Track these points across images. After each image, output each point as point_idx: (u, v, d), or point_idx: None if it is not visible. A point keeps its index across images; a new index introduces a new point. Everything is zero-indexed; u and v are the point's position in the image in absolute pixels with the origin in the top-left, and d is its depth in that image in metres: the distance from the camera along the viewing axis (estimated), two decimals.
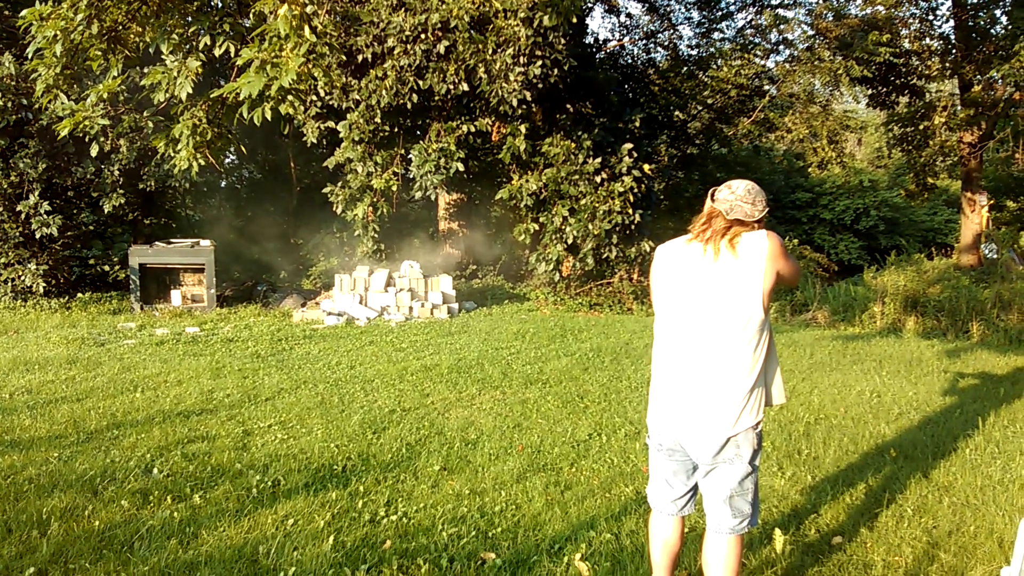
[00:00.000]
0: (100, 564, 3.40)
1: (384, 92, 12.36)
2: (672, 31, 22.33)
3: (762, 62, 22.55)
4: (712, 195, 2.82)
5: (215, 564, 3.42)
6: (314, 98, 12.89)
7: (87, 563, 3.40)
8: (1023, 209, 26.31)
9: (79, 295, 12.83)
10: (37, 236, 12.03)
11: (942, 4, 24.09)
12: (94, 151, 6.22)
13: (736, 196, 2.75)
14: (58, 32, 5.31)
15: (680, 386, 2.85)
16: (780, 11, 20.02)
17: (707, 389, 2.78)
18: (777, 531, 3.69)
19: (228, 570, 3.37)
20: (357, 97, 12.72)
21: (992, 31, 18.46)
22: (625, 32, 22.76)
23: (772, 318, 2.80)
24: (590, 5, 19.80)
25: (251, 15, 6.15)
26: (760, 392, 2.82)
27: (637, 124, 15.42)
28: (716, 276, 2.75)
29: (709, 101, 23.26)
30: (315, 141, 13.71)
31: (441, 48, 12.21)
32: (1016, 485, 4.60)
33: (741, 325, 2.72)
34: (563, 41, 12.77)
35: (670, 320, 2.90)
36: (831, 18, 18.75)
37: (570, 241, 13.76)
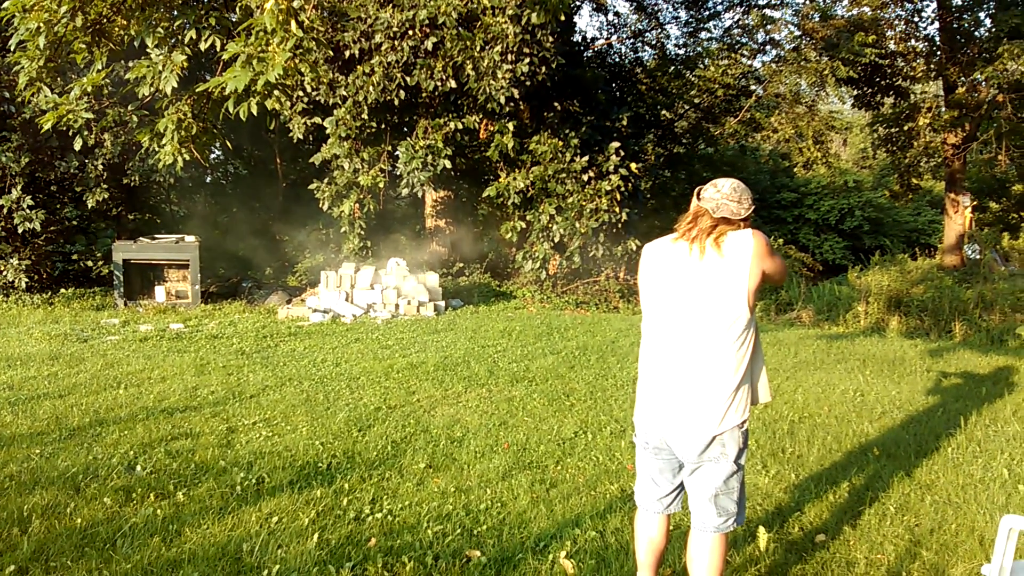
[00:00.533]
0: (82, 562, 3.37)
1: (371, 88, 12.31)
2: (660, 30, 22.37)
3: (749, 62, 22.63)
4: (698, 194, 2.82)
5: (198, 562, 3.40)
6: (300, 94, 12.82)
7: (69, 561, 3.37)
8: (1006, 210, 26.60)
9: (62, 291, 12.72)
10: (19, 231, 11.90)
11: (927, 6, 24.22)
12: (78, 145, 6.15)
13: (722, 194, 2.76)
14: (41, 24, 5.25)
15: (666, 384, 2.86)
16: (767, 11, 20.09)
17: (693, 387, 2.78)
18: (761, 529, 3.71)
19: (212, 568, 3.35)
20: (344, 93, 12.66)
21: (976, 33, 18.63)
22: (613, 31, 22.79)
23: (757, 317, 2.77)
24: (578, 3, 19.79)
25: (237, 9, 6.11)
26: (746, 390, 2.82)
27: (624, 123, 15.44)
28: (702, 275, 2.75)
29: (696, 100, 23.32)
30: (301, 137, 13.64)
31: (429, 45, 12.17)
32: (997, 483, 4.65)
33: (727, 324, 2.73)
34: (551, 39, 12.77)
35: (656, 319, 2.90)
36: (817, 19, 18.84)
37: (557, 239, 13.77)
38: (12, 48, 5.58)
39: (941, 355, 9.34)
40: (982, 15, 18.42)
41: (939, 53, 19.24)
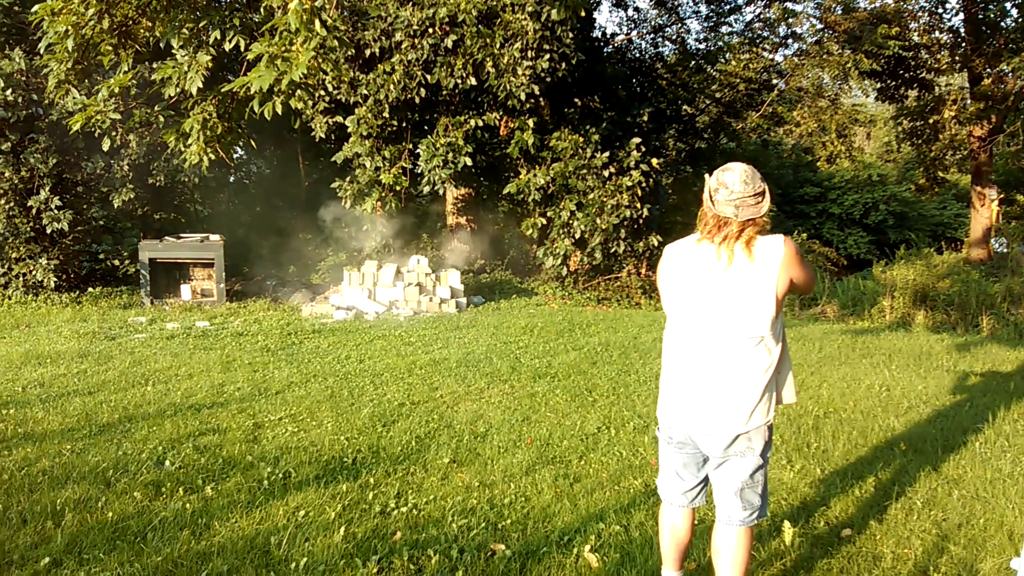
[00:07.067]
0: (114, 554, 3.43)
1: (392, 87, 12.37)
2: (680, 25, 22.24)
3: (770, 56, 22.45)
4: (711, 197, 2.71)
5: (227, 555, 3.45)
6: (322, 93, 12.91)
7: (101, 553, 3.43)
8: None
9: (90, 290, 12.89)
10: (48, 231, 12.08)
11: None
12: (106, 146, 6.24)
13: (737, 194, 2.64)
14: (69, 27, 5.33)
15: (692, 385, 2.84)
16: (788, 4, 19.96)
17: (720, 390, 2.77)
18: (786, 523, 3.70)
19: (240, 560, 3.40)
20: (365, 92, 12.73)
21: (1002, 24, 18.37)
22: (633, 26, 22.69)
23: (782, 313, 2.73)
24: None
25: (261, 9, 6.17)
26: (772, 393, 2.80)
27: (645, 118, 15.39)
28: (729, 279, 2.70)
29: (717, 95, 23.18)
30: (323, 136, 13.73)
31: (449, 42, 12.21)
32: None
33: (754, 329, 2.70)
34: (571, 35, 12.76)
35: (682, 321, 2.85)
36: (840, 12, 18.66)
37: (578, 235, 13.76)
38: (41, 51, 5.67)
39: (968, 349, 9.23)
40: (1008, 5, 18.15)
41: (964, 44, 18.99)
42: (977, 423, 5.84)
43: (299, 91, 5.11)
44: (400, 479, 4.46)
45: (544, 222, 14.16)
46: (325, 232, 16.97)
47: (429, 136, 13.26)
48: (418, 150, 13.34)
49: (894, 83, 19.84)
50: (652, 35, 22.20)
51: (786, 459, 4.93)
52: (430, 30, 12.31)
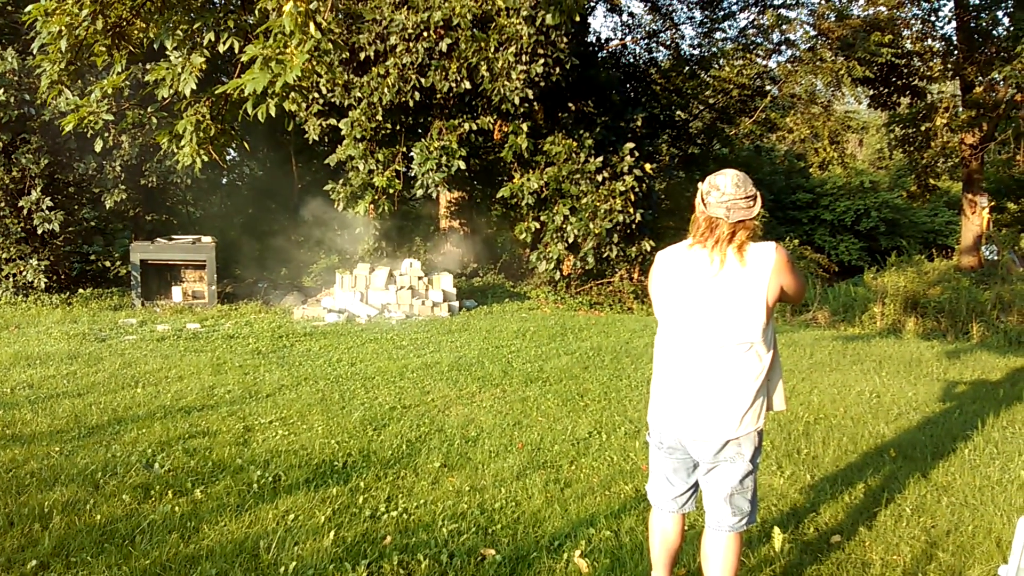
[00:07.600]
0: (102, 557, 3.41)
1: (386, 90, 12.37)
2: (674, 30, 22.32)
3: (764, 62, 22.56)
4: (703, 200, 2.75)
5: (216, 558, 3.43)
6: (316, 95, 12.89)
7: (89, 556, 3.41)
8: None
9: (80, 291, 12.83)
10: (39, 232, 12.03)
11: (944, 5, 24.10)
12: (98, 147, 6.23)
13: (728, 196, 2.67)
14: (63, 28, 5.32)
15: (683, 391, 2.84)
16: (782, 11, 20.03)
17: (710, 396, 2.77)
18: (776, 529, 3.71)
19: (229, 564, 3.39)
20: (359, 95, 12.72)
21: (994, 32, 18.51)
22: (627, 31, 22.78)
23: (773, 319, 2.76)
24: (592, 4, 19.79)
25: (255, 11, 6.16)
26: (763, 400, 2.81)
27: (639, 123, 15.42)
28: (721, 285, 2.72)
29: (711, 101, 23.27)
30: (316, 138, 13.71)
31: (443, 46, 12.22)
32: (1014, 485, 4.62)
33: (745, 335, 2.71)
34: (565, 40, 12.78)
35: (673, 327, 2.87)
36: (833, 18, 18.78)
37: (571, 240, 13.77)
38: (34, 51, 5.66)
39: (958, 357, 9.28)
40: (1000, 14, 18.30)
41: (956, 52, 19.11)
42: (966, 430, 5.86)
43: (293, 93, 5.10)
44: (390, 483, 4.45)
45: (537, 226, 14.17)
46: (317, 234, 16.96)
47: (423, 139, 13.26)
48: (411, 153, 13.34)
49: (886, 90, 19.95)
50: (646, 40, 22.28)
51: (776, 465, 4.94)
52: (425, 33, 12.32)
